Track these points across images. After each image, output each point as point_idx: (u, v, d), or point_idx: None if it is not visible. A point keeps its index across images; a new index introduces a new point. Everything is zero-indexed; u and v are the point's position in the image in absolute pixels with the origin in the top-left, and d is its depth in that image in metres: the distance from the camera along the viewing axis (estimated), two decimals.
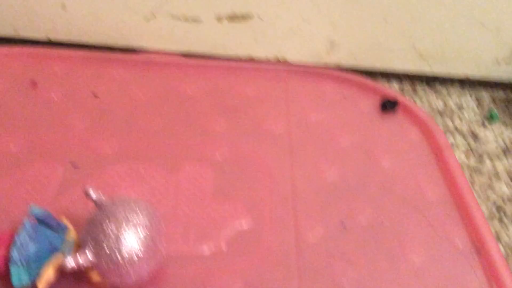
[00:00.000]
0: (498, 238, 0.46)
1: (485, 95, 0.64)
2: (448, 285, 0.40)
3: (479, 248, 0.42)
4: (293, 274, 0.39)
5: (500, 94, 0.64)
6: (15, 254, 0.33)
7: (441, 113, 0.60)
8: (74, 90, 0.56)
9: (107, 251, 0.32)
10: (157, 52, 0.63)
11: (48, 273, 0.33)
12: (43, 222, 0.35)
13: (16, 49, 0.61)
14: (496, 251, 0.42)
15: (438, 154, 0.51)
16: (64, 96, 0.55)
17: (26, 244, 0.33)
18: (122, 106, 0.55)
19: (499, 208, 0.48)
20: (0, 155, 0.47)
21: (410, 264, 0.41)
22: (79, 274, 0.36)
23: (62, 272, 0.34)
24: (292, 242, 0.42)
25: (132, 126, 0.52)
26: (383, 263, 0.40)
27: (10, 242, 0.34)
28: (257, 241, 0.41)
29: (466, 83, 0.66)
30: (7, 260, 0.33)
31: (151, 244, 0.34)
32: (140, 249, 0.33)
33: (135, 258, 0.33)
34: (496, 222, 0.47)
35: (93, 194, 0.35)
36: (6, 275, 0.34)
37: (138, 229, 0.33)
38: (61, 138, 0.49)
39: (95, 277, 0.35)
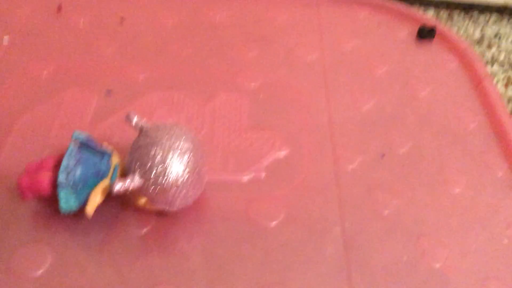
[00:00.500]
0: None
1: None
2: (488, 213, 0.40)
3: None
4: (333, 203, 0.39)
5: None
6: (62, 177, 0.33)
7: (478, 42, 0.58)
8: (100, 15, 0.54)
9: (155, 178, 0.32)
10: None
11: (96, 197, 0.33)
12: (88, 146, 0.34)
13: None
14: None
15: (477, 84, 0.50)
16: (91, 21, 0.53)
17: (72, 167, 0.33)
18: (151, 32, 0.53)
19: None
20: (33, 82, 0.46)
21: (450, 193, 0.40)
22: (125, 198, 0.36)
23: (108, 196, 0.34)
24: (331, 171, 0.41)
25: (163, 53, 0.51)
26: (423, 192, 0.40)
27: (56, 166, 0.34)
28: (295, 170, 0.41)
29: (503, 11, 0.63)
30: (54, 184, 0.33)
31: (195, 171, 0.34)
32: (185, 176, 0.33)
33: (181, 184, 0.33)
34: None
35: (135, 119, 0.34)
36: (54, 199, 0.34)
37: (184, 156, 0.33)
38: (91, 64, 0.48)
39: (141, 201, 0.35)
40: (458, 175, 0.42)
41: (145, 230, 0.36)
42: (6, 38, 0.50)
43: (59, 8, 0.54)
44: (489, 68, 0.54)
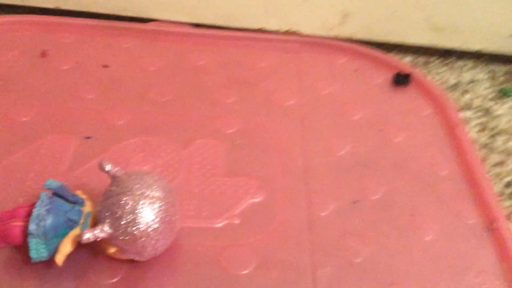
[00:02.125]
0: (509, 216, 0.46)
1: (498, 70, 0.63)
2: (459, 261, 0.40)
3: (490, 225, 0.42)
4: (306, 249, 0.39)
5: None
6: (32, 226, 0.33)
7: (454, 88, 0.59)
8: (84, 60, 0.56)
9: (123, 224, 0.33)
10: (167, 22, 0.62)
11: (66, 246, 0.34)
12: (59, 194, 0.35)
13: (25, 18, 0.60)
14: (507, 229, 0.42)
15: (451, 130, 0.51)
16: (74, 67, 0.55)
17: (43, 216, 0.33)
18: (133, 77, 0.54)
19: (510, 186, 0.48)
20: (11, 126, 0.47)
21: (422, 240, 0.41)
22: (95, 246, 0.36)
23: (79, 244, 0.35)
24: (304, 216, 0.42)
25: (143, 98, 0.52)
26: (395, 239, 0.41)
27: (28, 215, 0.34)
28: (269, 215, 0.42)
29: (479, 58, 0.65)
30: (25, 233, 0.33)
31: (166, 217, 0.34)
32: (156, 225, 0.33)
33: (152, 234, 0.33)
34: (507, 200, 0.47)
35: (108, 167, 0.35)
36: (24, 248, 0.34)
37: (154, 205, 0.33)
38: (72, 110, 0.49)
39: (111, 250, 0.35)
40: (429, 222, 0.42)
41: (116, 279, 0.36)
42: None
43: (43, 54, 0.55)
44: (463, 114, 0.55)
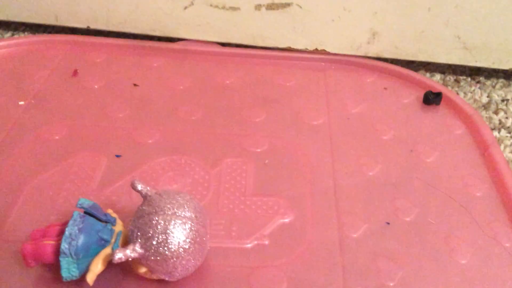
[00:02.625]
0: None
1: None
2: (496, 286, 0.39)
3: None
4: (337, 270, 0.39)
5: None
6: (64, 246, 0.33)
7: (485, 107, 0.58)
8: (114, 79, 0.56)
9: (155, 244, 0.32)
10: (195, 41, 0.63)
11: (97, 266, 0.34)
12: (91, 214, 0.35)
13: (57, 37, 0.61)
14: None
15: (484, 150, 0.50)
16: (105, 85, 0.55)
17: (75, 235, 0.33)
18: (162, 96, 0.55)
19: None
20: (44, 144, 0.47)
21: (457, 264, 0.40)
22: (126, 266, 0.36)
23: (109, 264, 0.35)
24: (336, 237, 0.41)
25: (172, 116, 0.52)
26: (429, 262, 0.40)
27: (60, 233, 0.34)
28: (300, 236, 0.41)
29: (511, 76, 0.64)
30: (57, 252, 0.33)
31: (197, 238, 0.34)
32: (187, 243, 0.33)
33: (182, 254, 0.33)
34: None
35: (139, 187, 0.35)
36: (55, 267, 0.34)
37: (186, 225, 0.33)
38: (103, 128, 0.50)
39: (142, 269, 0.35)
40: (465, 244, 0.41)
41: None
42: (21, 103, 0.51)
43: (75, 73, 0.56)
44: (496, 134, 0.54)
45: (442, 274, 0.39)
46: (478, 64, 0.61)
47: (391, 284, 0.38)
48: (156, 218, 0.33)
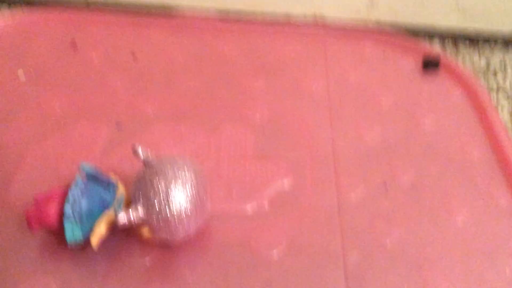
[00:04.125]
0: None
1: None
2: (491, 243, 0.39)
3: None
4: (336, 233, 0.39)
5: None
6: (68, 209, 0.34)
7: (484, 72, 0.58)
8: (113, 51, 0.56)
9: (157, 208, 0.33)
10: (193, 11, 0.63)
11: (101, 229, 0.34)
12: (94, 178, 0.36)
13: (55, 13, 0.61)
14: None
15: (482, 114, 0.50)
16: (104, 57, 0.55)
17: (78, 200, 0.34)
18: (161, 67, 0.55)
19: None
20: (46, 116, 0.48)
21: (453, 224, 0.40)
22: (129, 230, 0.37)
23: (113, 228, 0.35)
24: (334, 202, 0.42)
25: (172, 87, 0.52)
26: (426, 223, 0.40)
27: (63, 198, 0.35)
28: (299, 201, 0.42)
29: (508, 40, 0.63)
30: (61, 216, 0.34)
31: (198, 201, 0.35)
32: (188, 206, 0.34)
33: (184, 214, 0.34)
34: None
35: (141, 152, 0.35)
36: (60, 231, 0.35)
37: (186, 186, 0.34)
38: (103, 99, 0.50)
39: (145, 233, 0.36)
40: (461, 205, 0.42)
41: (148, 260, 0.36)
42: (20, 71, 0.52)
43: (74, 45, 0.56)
44: (494, 96, 0.54)
45: (439, 233, 0.40)
46: (477, 27, 0.61)
47: (389, 243, 0.39)
48: (157, 181, 0.34)
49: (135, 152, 0.35)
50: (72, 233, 0.34)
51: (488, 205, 0.42)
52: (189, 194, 0.34)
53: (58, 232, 0.35)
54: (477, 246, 0.39)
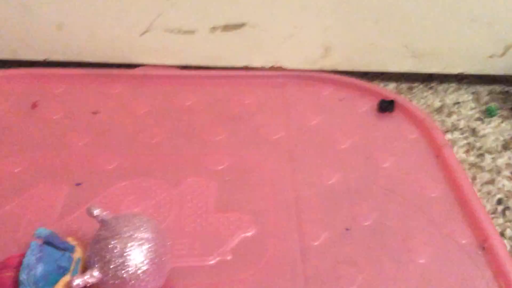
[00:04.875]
0: (502, 234, 0.46)
1: (481, 90, 0.64)
2: (455, 283, 0.40)
3: (484, 245, 0.42)
4: (299, 280, 0.39)
5: (496, 88, 0.65)
6: (23, 276, 0.33)
7: (438, 111, 0.60)
8: (74, 108, 0.57)
9: (113, 268, 0.33)
10: (154, 66, 0.64)
11: None
12: (49, 242, 0.35)
13: (15, 71, 0.62)
14: (501, 247, 0.42)
15: (438, 152, 0.52)
16: (65, 115, 0.56)
17: (33, 265, 0.33)
18: (122, 122, 0.55)
19: (501, 203, 0.49)
20: (4, 177, 0.47)
21: (416, 264, 0.41)
22: None
23: None
24: (297, 248, 0.42)
25: (133, 141, 0.52)
26: (389, 265, 0.41)
27: (18, 264, 0.34)
28: (262, 249, 0.42)
29: (462, 80, 0.66)
30: (16, 282, 0.33)
31: (155, 258, 0.34)
32: (145, 267, 0.33)
33: (141, 276, 0.33)
34: (499, 218, 0.47)
35: (96, 212, 0.35)
36: None
37: (143, 244, 0.34)
38: (63, 158, 0.50)
39: None
40: (422, 245, 0.42)
41: None
42: None
43: (34, 105, 0.57)
44: (450, 136, 0.56)
45: (402, 275, 0.40)
46: (429, 71, 0.63)
47: None
48: (113, 242, 0.33)
49: (89, 213, 0.35)
50: None
51: (450, 243, 0.43)
52: (146, 255, 0.34)
53: None
54: (441, 286, 0.39)
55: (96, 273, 0.33)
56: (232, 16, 0.60)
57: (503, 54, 0.62)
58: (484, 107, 0.61)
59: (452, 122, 0.58)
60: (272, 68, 0.64)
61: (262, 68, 0.64)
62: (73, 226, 0.43)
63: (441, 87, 0.64)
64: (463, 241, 0.43)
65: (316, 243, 0.42)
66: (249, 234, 0.43)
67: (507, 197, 0.49)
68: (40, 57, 0.64)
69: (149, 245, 0.34)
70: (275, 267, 0.40)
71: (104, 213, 0.36)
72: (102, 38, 0.62)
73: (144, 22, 0.61)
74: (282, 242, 0.42)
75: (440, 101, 0.62)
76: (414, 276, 0.40)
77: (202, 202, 0.46)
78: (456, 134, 0.57)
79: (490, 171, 0.52)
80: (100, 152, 0.51)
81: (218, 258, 0.41)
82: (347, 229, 0.44)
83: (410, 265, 0.41)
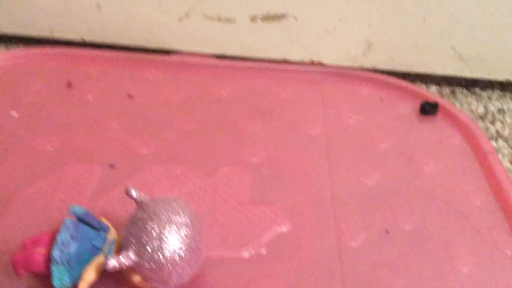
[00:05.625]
0: None
1: None
2: None
3: None
4: (336, 280, 0.38)
5: None
6: (56, 253, 0.32)
7: (482, 118, 0.58)
8: (109, 91, 0.56)
9: (150, 251, 0.32)
10: (190, 54, 0.63)
11: (90, 274, 0.32)
12: (84, 221, 0.34)
13: (51, 50, 0.61)
14: None
15: (482, 159, 0.49)
16: (100, 97, 0.55)
17: (67, 243, 0.32)
18: (157, 108, 0.54)
19: None
20: (38, 156, 0.46)
21: (458, 273, 0.39)
22: (120, 275, 0.35)
23: (102, 273, 0.34)
24: (334, 247, 0.40)
25: (167, 128, 0.51)
26: (430, 272, 0.39)
27: (51, 241, 0.33)
28: (297, 246, 0.40)
29: (506, 87, 0.64)
30: (49, 260, 0.32)
31: (193, 245, 0.33)
32: (182, 249, 0.32)
33: (178, 258, 0.32)
34: None
35: (134, 193, 0.34)
36: (46, 277, 0.33)
37: (181, 229, 0.32)
38: (97, 139, 0.49)
39: (136, 278, 0.34)
40: (466, 253, 0.40)
41: None
42: (14, 112, 0.51)
43: (69, 85, 0.56)
44: (493, 144, 0.54)
45: (443, 283, 0.38)
46: (474, 75, 0.61)
47: None
48: (151, 224, 0.32)
49: (128, 193, 0.34)
50: (60, 278, 0.32)
51: (494, 253, 0.41)
52: (184, 240, 0.32)
53: (46, 277, 0.33)
54: None
55: (132, 255, 0.31)
56: (273, 6, 0.59)
57: None
58: None
59: (497, 130, 0.56)
60: (310, 63, 0.62)
61: (300, 63, 0.63)
62: (106, 208, 0.42)
63: (484, 93, 0.62)
64: (509, 252, 0.41)
65: (354, 244, 0.41)
66: (284, 229, 0.42)
67: None
68: (77, 37, 0.63)
69: (187, 230, 0.33)
70: (310, 266, 0.39)
71: (142, 194, 0.34)
72: (141, 21, 0.61)
73: (184, 8, 0.60)
74: (318, 240, 0.41)
75: (483, 107, 0.60)
76: (456, 285, 0.38)
77: (236, 193, 0.44)
78: (501, 142, 0.54)
79: None
80: (134, 136, 0.50)
81: (252, 252, 0.39)
82: (386, 232, 0.42)
83: (452, 274, 0.39)
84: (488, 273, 0.39)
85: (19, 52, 0.61)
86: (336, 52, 0.61)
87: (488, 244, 0.41)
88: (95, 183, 0.44)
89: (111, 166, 0.46)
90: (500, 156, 0.53)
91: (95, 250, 0.33)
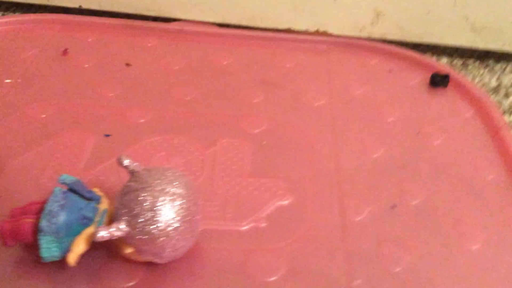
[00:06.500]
0: None
1: None
2: (509, 273, 0.36)
3: None
4: (339, 257, 0.36)
5: None
6: (44, 223, 0.30)
7: (495, 91, 0.56)
8: (106, 59, 0.54)
9: (141, 222, 0.30)
10: (191, 22, 0.60)
11: (79, 246, 0.31)
12: (74, 190, 0.32)
13: (48, 17, 0.59)
14: None
15: (494, 133, 0.47)
16: (96, 65, 0.53)
17: (55, 212, 0.31)
18: (155, 76, 0.52)
19: None
20: (30, 123, 0.45)
21: (467, 250, 0.37)
22: (111, 247, 0.33)
23: (93, 244, 0.32)
24: (337, 221, 0.39)
25: (166, 97, 0.49)
26: (439, 249, 0.37)
27: (40, 211, 0.31)
28: (299, 220, 0.39)
29: None
30: (36, 230, 0.31)
31: (187, 216, 0.31)
32: (176, 221, 0.30)
33: (171, 230, 0.30)
34: None
35: (126, 162, 0.32)
36: (35, 247, 0.31)
37: (175, 200, 0.31)
38: (93, 107, 0.47)
39: (127, 250, 0.32)
40: (476, 230, 0.39)
41: (132, 283, 0.33)
42: (8, 81, 0.49)
43: (65, 52, 0.54)
44: (507, 118, 0.51)
45: (452, 260, 0.36)
46: (487, 47, 0.58)
47: (397, 270, 0.35)
48: (144, 194, 0.30)
49: (120, 162, 0.32)
50: (48, 249, 0.31)
51: (506, 231, 0.39)
52: (178, 212, 0.30)
53: (34, 248, 0.32)
54: (494, 276, 0.36)
55: (123, 226, 0.30)
56: None
57: None
58: None
59: (510, 104, 0.54)
60: (316, 33, 0.60)
61: (305, 32, 0.60)
62: (100, 177, 0.40)
63: (498, 66, 0.59)
64: None
65: (358, 218, 0.39)
66: (285, 202, 0.40)
67: None
68: (74, 4, 0.60)
69: (182, 201, 0.31)
70: (312, 240, 0.37)
71: (135, 163, 0.33)
72: None
73: None
74: (320, 214, 0.39)
75: (496, 81, 0.57)
76: (466, 262, 0.36)
77: (236, 165, 0.43)
78: None
79: None
80: (132, 105, 0.48)
81: (252, 224, 0.38)
82: (392, 206, 0.40)
83: (461, 251, 0.37)
84: (499, 251, 0.37)
85: (14, 17, 0.59)
86: (343, 21, 0.59)
87: (499, 222, 0.39)
88: (89, 153, 0.42)
89: (107, 135, 0.44)
90: None
91: (85, 221, 0.32)
